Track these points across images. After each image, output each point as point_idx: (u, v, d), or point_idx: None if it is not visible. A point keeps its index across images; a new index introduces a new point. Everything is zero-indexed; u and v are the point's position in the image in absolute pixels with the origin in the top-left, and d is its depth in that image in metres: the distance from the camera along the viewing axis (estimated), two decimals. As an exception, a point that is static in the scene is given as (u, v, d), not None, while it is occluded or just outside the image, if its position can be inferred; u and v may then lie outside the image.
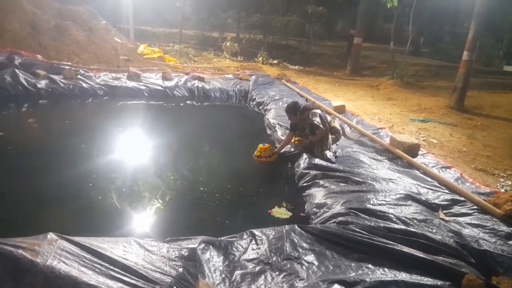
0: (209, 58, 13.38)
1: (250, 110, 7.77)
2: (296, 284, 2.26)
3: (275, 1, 16.07)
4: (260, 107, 7.57)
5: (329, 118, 4.87)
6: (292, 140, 4.88)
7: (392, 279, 2.31)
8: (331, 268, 2.44)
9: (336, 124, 4.99)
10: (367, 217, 2.98)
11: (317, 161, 4.22)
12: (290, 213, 3.48)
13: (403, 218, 2.97)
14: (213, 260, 2.39)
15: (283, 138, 5.04)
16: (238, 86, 8.71)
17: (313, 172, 4.04)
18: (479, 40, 7.61)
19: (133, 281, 2.00)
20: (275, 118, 6.18)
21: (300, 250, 2.57)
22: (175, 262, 2.23)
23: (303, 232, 2.73)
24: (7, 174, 3.78)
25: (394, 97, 8.98)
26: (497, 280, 2.39)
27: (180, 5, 15.55)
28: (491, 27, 13.28)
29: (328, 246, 2.62)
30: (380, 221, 2.92)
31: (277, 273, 2.35)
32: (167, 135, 5.54)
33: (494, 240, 2.84)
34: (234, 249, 2.53)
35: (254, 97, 8.07)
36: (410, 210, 3.12)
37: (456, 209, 3.36)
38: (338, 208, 3.18)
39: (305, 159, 4.37)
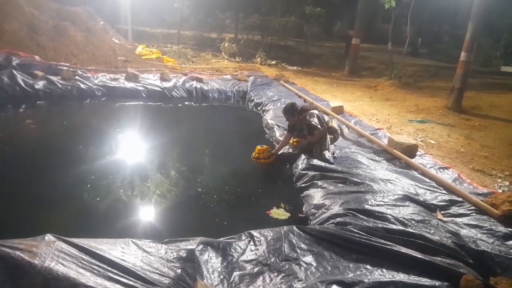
0: (207, 59, 13.38)
1: (249, 110, 7.77)
2: (295, 285, 2.26)
3: (273, 2, 16.10)
4: (258, 108, 7.57)
5: (326, 118, 4.88)
6: (291, 141, 4.89)
7: (390, 279, 2.32)
8: (329, 269, 2.44)
9: (334, 124, 5.00)
10: (365, 217, 2.99)
11: (315, 162, 4.22)
12: (288, 214, 3.48)
13: (401, 218, 2.98)
14: (212, 261, 2.38)
15: (281, 138, 5.04)
16: (237, 87, 8.71)
17: (311, 173, 4.04)
18: (477, 41, 7.64)
19: (131, 283, 2.00)
20: (273, 118, 6.19)
21: (299, 251, 2.57)
22: (173, 263, 2.23)
23: (301, 233, 2.73)
24: (4, 175, 3.77)
25: (392, 98, 9.00)
26: (495, 281, 2.40)
27: (178, 6, 15.56)
28: (489, 28, 13.30)
29: (327, 247, 2.62)
30: (378, 221, 2.93)
31: (275, 274, 2.35)
32: (165, 136, 5.53)
33: (491, 241, 2.85)
34: (233, 250, 2.53)
35: (252, 98, 8.08)
36: (408, 211, 3.12)
37: (454, 209, 3.37)
38: (336, 209, 3.18)
39: (303, 160, 4.37)
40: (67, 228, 2.80)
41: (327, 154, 4.34)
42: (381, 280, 2.31)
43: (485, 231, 2.98)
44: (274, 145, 5.16)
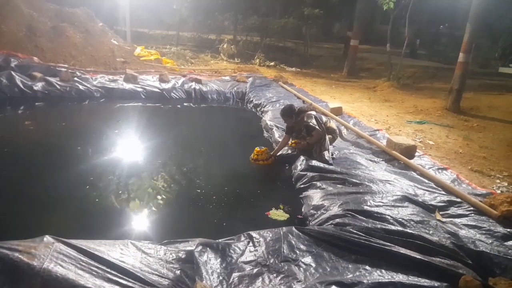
0: (206, 60, 13.40)
1: (248, 112, 7.78)
2: (294, 286, 2.26)
3: (272, 3, 16.12)
4: (257, 109, 7.57)
5: (324, 118, 4.88)
6: (289, 143, 4.89)
7: (390, 280, 2.32)
8: (328, 269, 2.44)
9: (332, 124, 5.00)
10: (364, 218, 2.99)
11: (314, 163, 4.23)
12: (287, 215, 3.48)
13: (400, 219, 2.98)
14: (211, 263, 2.38)
15: (280, 139, 5.04)
16: (235, 88, 8.72)
17: (310, 174, 4.04)
18: (475, 42, 7.66)
19: (130, 284, 1.99)
20: (272, 120, 6.19)
21: (298, 252, 2.57)
22: (172, 265, 2.23)
23: (300, 234, 2.73)
24: (3, 177, 3.76)
25: (390, 99, 9.02)
26: (493, 281, 2.40)
27: (177, 7, 15.58)
28: (487, 29, 13.34)
29: (326, 247, 2.62)
30: (377, 222, 2.93)
31: (274, 275, 2.35)
32: (164, 137, 5.53)
33: (490, 241, 2.86)
34: (232, 251, 2.53)
35: (251, 99, 8.08)
36: (407, 212, 3.13)
37: (453, 210, 3.37)
38: (335, 209, 3.19)
39: (302, 161, 4.38)
40: (66, 229, 2.79)
41: (326, 155, 4.34)
42: (380, 280, 2.31)
43: (483, 232, 2.99)
44: (273, 146, 5.16)
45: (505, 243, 2.83)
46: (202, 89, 8.31)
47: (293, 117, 4.66)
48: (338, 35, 22.55)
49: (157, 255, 2.29)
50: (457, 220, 3.18)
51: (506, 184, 4.25)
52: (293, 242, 2.64)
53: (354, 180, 3.76)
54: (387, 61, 11.55)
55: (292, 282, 2.29)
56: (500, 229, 2.99)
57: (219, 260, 2.43)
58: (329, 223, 3.02)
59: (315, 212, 3.35)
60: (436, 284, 2.32)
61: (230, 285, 2.26)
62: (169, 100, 7.82)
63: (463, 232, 2.97)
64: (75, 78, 7.43)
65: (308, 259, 2.51)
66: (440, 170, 4.31)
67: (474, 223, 3.11)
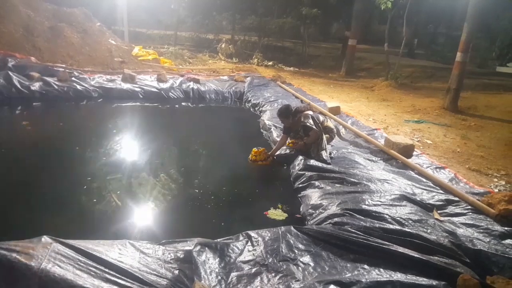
0: (204, 60, 13.38)
1: (246, 111, 7.77)
2: (292, 286, 2.27)
3: (270, 3, 16.12)
4: (256, 109, 7.58)
5: (321, 118, 4.87)
6: (287, 143, 4.89)
7: (388, 279, 2.32)
8: (327, 269, 2.44)
9: (330, 123, 5.00)
10: (362, 217, 2.99)
11: (313, 162, 4.23)
12: (285, 215, 3.48)
13: (398, 218, 2.99)
14: (209, 262, 2.38)
15: (278, 139, 5.04)
16: (234, 88, 8.72)
17: (308, 174, 4.05)
18: (473, 42, 7.67)
19: (129, 284, 1.99)
20: (271, 119, 6.19)
21: (296, 251, 2.57)
22: (171, 265, 2.23)
23: (299, 233, 2.73)
24: (0, 177, 3.75)
25: (388, 98, 9.03)
26: (491, 280, 2.41)
27: (175, 7, 15.56)
28: (484, 29, 13.40)
29: (324, 247, 2.63)
30: (376, 221, 2.94)
31: (273, 274, 2.35)
32: (162, 137, 5.52)
33: (488, 240, 2.86)
34: (230, 251, 2.53)
35: (249, 99, 8.09)
36: (405, 211, 3.13)
37: (451, 209, 3.38)
38: (333, 209, 3.19)
39: (301, 160, 4.38)
40: (64, 230, 2.79)
41: (324, 155, 4.34)
42: (378, 279, 2.31)
43: (481, 230, 2.99)
44: (272, 146, 5.16)
45: (503, 242, 2.84)
46: (200, 89, 8.31)
47: (290, 117, 4.66)
48: (336, 35, 22.61)
49: (155, 255, 2.28)
50: (455, 219, 3.19)
51: (503, 182, 4.26)
52: (292, 242, 2.64)
53: (352, 180, 3.76)
54: (385, 60, 11.57)
55: (291, 282, 2.30)
56: (498, 228, 3.00)
57: (217, 259, 2.43)
58: (327, 223, 3.02)
59: (313, 211, 3.35)
60: (434, 282, 2.33)
61: (229, 284, 2.26)
62: (167, 100, 7.82)
63: (461, 231, 2.98)
64: (73, 78, 7.41)
65: (306, 259, 2.51)
66: (438, 169, 4.32)
67: (472, 222, 3.12)
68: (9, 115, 6.11)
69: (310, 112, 4.75)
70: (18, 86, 6.59)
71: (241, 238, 2.68)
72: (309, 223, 3.24)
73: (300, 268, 2.44)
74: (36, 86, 6.79)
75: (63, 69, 7.56)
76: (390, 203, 3.25)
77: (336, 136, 5.14)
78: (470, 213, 3.27)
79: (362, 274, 2.37)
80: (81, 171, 4.03)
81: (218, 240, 2.61)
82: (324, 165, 4.15)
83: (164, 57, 11.62)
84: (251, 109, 7.72)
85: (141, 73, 8.83)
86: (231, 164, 4.75)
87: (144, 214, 3.35)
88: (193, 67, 11.58)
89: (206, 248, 2.47)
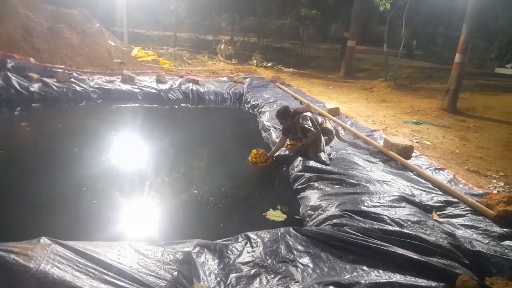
0: (203, 61, 13.39)
1: (245, 112, 7.78)
2: (291, 287, 2.26)
3: (269, 4, 16.14)
4: (255, 110, 7.58)
5: (320, 119, 4.87)
6: (285, 145, 4.89)
7: (387, 280, 2.32)
8: (326, 270, 2.44)
9: (328, 125, 5.00)
10: (361, 219, 2.99)
11: (312, 163, 4.23)
12: (285, 216, 3.48)
13: (397, 219, 2.99)
14: (208, 264, 2.38)
15: (277, 140, 5.04)
16: (233, 89, 8.72)
17: (307, 175, 4.05)
18: (472, 43, 7.70)
19: (128, 285, 1.99)
20: (270, 120, 6.20)
21: (295, 252, 2.57)
22: (170, 266, 2.23)
23: (298, 234, 2.73)
24: (-1, 178, 3.75)
25: (387, 100, 9.04)
26: (490, 281, 2.41)
27: (174, 8, 15.56)
28: (483, 30, 13.43)
29: (323, 248, 2.63)
30: (375, 223, 2.94)
31: (272, 276, 2.35)
32: (161, 138, 5.51)
33: (487, 241, 2.86)
34: (229, 252, 2.53)
35: (248, 100, 8.09)
36: (404, 212, 3.13)
37: (450, 210, 3.38)
38: (332, 210, 3.19)
39: (300, 161, 4.38)
40: (63, 231, 2.77)
41: (323, 156, 4.35)
42: (377, 281, 2.31)
43: (480, 232, 2.99)
44: (271, 147, 5.16)
45: (502, 243, 2.84)
46: (200, 90, 8.31)
47: (289, 118, 4.67)
48: (335, 36, 22.63)
49: (154, 256, 2.28)
50: (454, 220, 3.19)
51: (502, 184, 4.27)
52: (291, 243, 2.64)
53: (352, 181, 3.76)
54: (384, 61, 11.59)
55: (290, 283, 2.29)
56: (497, 229, 3.00)
57: (216, 261, 2.42)
58: (326, 224, 3.02)
59: (312, 212, 3.35)
60: (433, 284, 2.33)
61: (228, 286, 2.25)
62: (166, 101, 7.82)
63: (460, 232, 2.98)
64: (72, 79, 7.41)
65: (305, 260, 2.51)
66: (437, 171, 4.32)
67: (471, 223, 3.12)
68: (8, 116, 6.10)
69: (309, 114, 4.75)
70: (17, 87, 6.59)
71: (240, 239, 2.68)
72: (308, 224, 3.24)
73: (299, 269, 2.43)
74: (35, 87, 6.78)
75: (62, 70, 7.55)
76: (389, 204, 3.25)
77: (335, 137, 5.15)
78: (469, 215, 3.27)
79: (361, 275, 2.37)
80: (80, 172, 4.02)
81: (217, 241, 2.61)
82: (323, 166, 4.15)
83: (163, 58, 11.62)
84: (250, 110, 7.72)
85: (140, 74, 8.84)
86: (230, 165, 4.75)
87: (143, 215, 3.35)
88: (192, 68, 11.59)
89: (205, 249, 2.47)
